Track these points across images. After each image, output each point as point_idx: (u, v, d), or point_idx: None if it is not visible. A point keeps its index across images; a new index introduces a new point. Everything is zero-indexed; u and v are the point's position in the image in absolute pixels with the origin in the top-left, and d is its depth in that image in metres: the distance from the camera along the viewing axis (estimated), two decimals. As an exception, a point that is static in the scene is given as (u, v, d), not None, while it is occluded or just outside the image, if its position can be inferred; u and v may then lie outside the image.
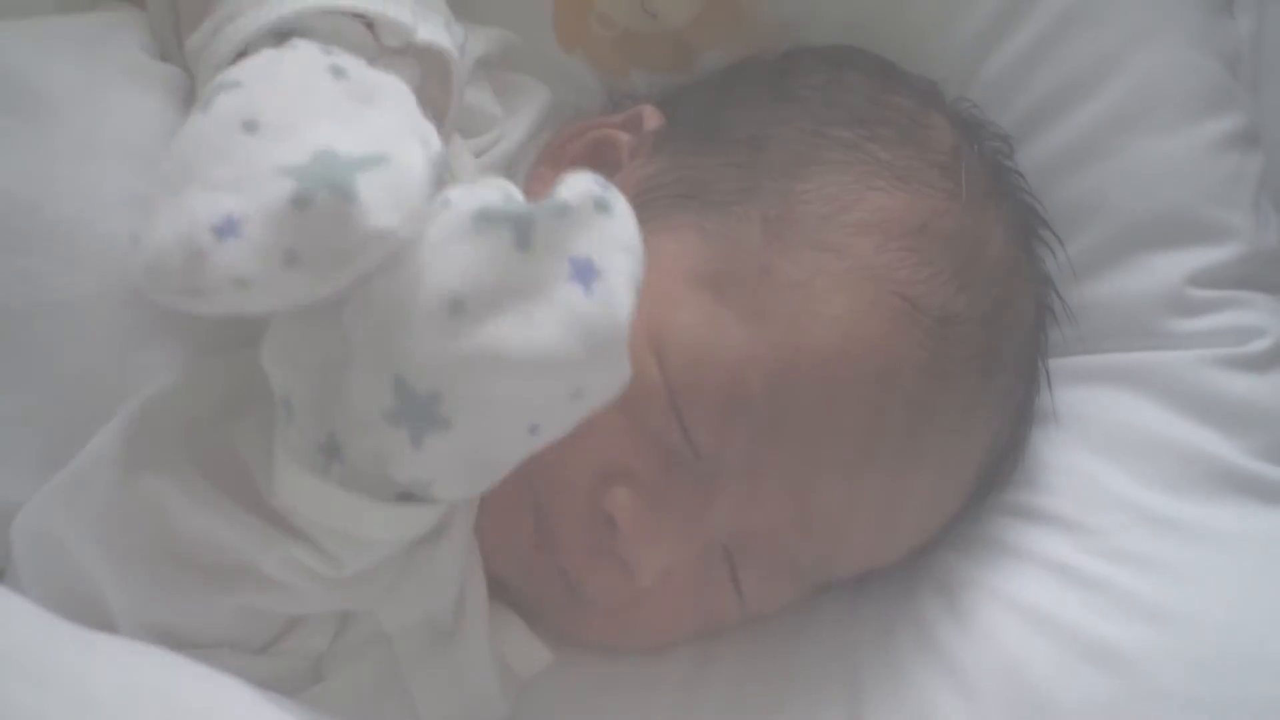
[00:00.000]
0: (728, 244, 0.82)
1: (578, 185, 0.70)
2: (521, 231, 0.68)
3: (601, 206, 0.70)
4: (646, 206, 0.83)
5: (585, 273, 0.68)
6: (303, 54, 0.74)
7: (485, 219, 0.69)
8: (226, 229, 0.67)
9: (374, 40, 0.80)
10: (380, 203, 0.67)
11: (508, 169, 0.91)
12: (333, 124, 0.70)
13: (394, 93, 0.74)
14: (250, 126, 0.70)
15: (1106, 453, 0.91)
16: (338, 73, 0.73)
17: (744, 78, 0.94)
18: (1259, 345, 0.94)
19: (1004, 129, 0.95)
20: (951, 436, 0.86)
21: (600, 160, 0.89)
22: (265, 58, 0.74)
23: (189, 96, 0.84)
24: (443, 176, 0.72)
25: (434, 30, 0.82)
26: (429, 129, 0.73)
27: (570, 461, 0.78)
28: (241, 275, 0.67)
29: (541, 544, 0.83)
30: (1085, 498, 0.90)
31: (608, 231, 0.70)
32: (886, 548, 0.88)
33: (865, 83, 0.91)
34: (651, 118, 0.91)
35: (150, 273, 0.67)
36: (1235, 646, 0.84)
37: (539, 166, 0.92)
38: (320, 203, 0.67)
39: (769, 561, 0.85)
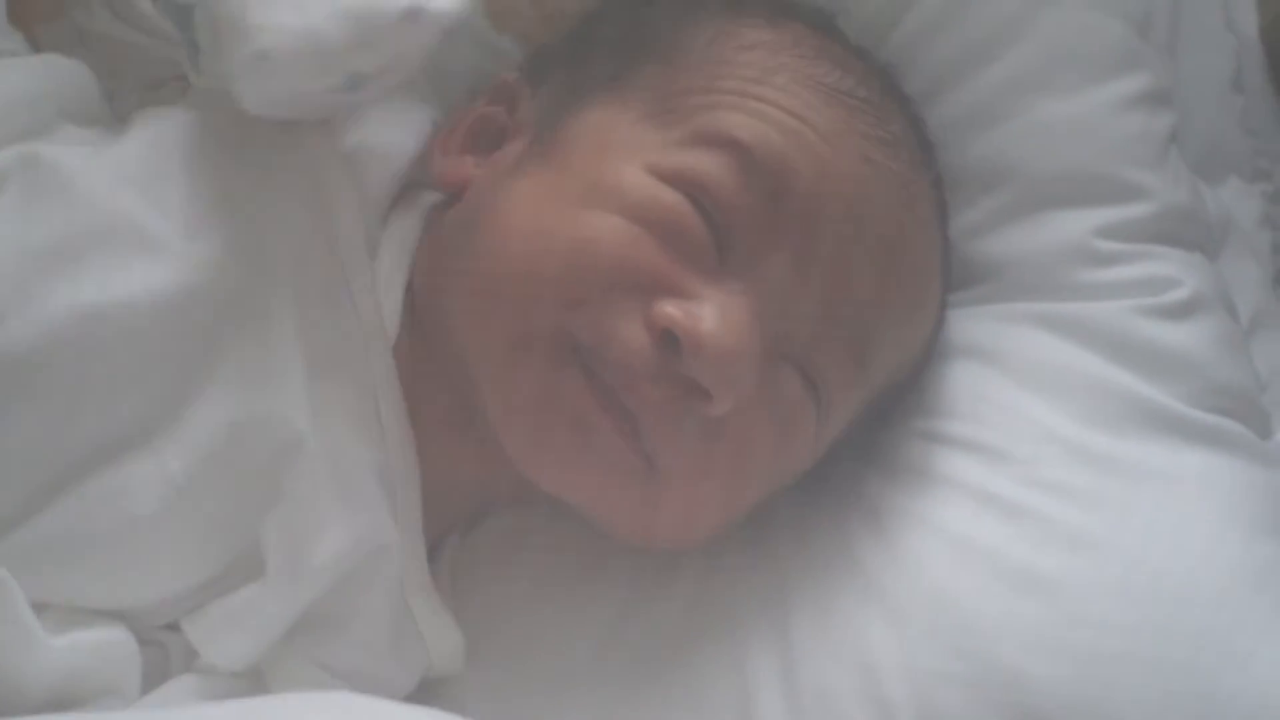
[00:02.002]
0: (646, 89, 0.88)
1: None
2: None
3: None
4: (553, 123, 0.89)
5: None
6: None
7: None
8: None
9: None
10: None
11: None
12: None
13: None
14: None
15: (1033, 387, 0.94)
16: None
17: (600, 11, 0.98)
18: (1176, 295, 0.96)
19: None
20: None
21: (485, 139, 0.93)
22: None
23: None
24: None
25: None
26: None
27: (607, 296, 0.82)
28: None
29: (599, 400, 0.83)
30: (1012, 429, 0.93)
31: None
32: (908, 327, 0.92)
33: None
34: (509, 78, 0.95)
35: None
36: (1154, 575, 0.87)
37: (438, 161, 0.95)
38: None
39: (824, 346, 0.86)
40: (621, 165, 0.85)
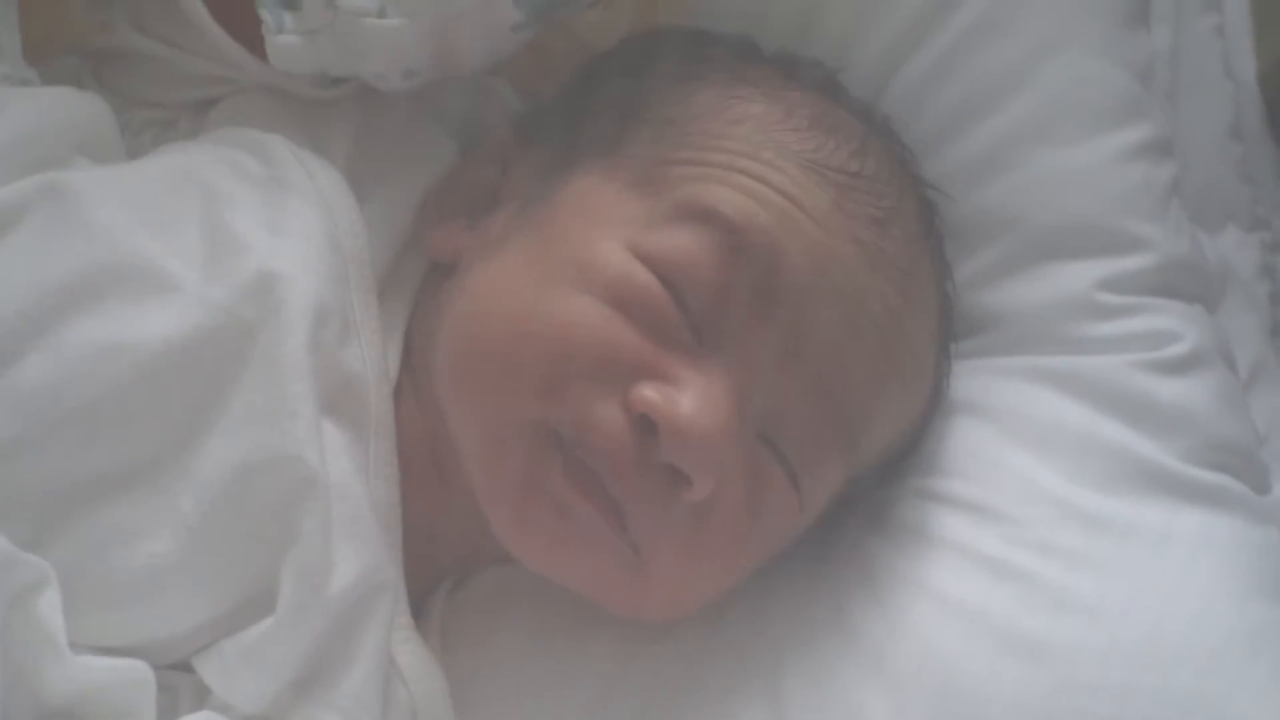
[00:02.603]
0: (634, 157, 0.87)
1: None
2: None
3: None
4: (542, 188, 0.88)
5: None
6: None
7: None
8: None
9: None
10: None
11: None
12: None
13: None
14: None
15: (1029, 445, 0.93)
16: None
17: (599, 69, 0.97)
18: (1177, 350, 0.95)
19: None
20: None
21: (478, 201, 0.92)
22: None
23: None
24: None
25: None
26: None
27: (584, 381, 0.81)
28: None
29: (580, 488, 0.82)
30: (1007, 488, 0.92)
31: None
32: (900, 404, 0.90)
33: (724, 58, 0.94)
34: (503, 138, 0.96)
35: None
36: (1162, 640, 0.86)
37: (432, 229, 0.94)
38: None
39: (808, 428, 0.85)
40: (600, 240, 0.84)
